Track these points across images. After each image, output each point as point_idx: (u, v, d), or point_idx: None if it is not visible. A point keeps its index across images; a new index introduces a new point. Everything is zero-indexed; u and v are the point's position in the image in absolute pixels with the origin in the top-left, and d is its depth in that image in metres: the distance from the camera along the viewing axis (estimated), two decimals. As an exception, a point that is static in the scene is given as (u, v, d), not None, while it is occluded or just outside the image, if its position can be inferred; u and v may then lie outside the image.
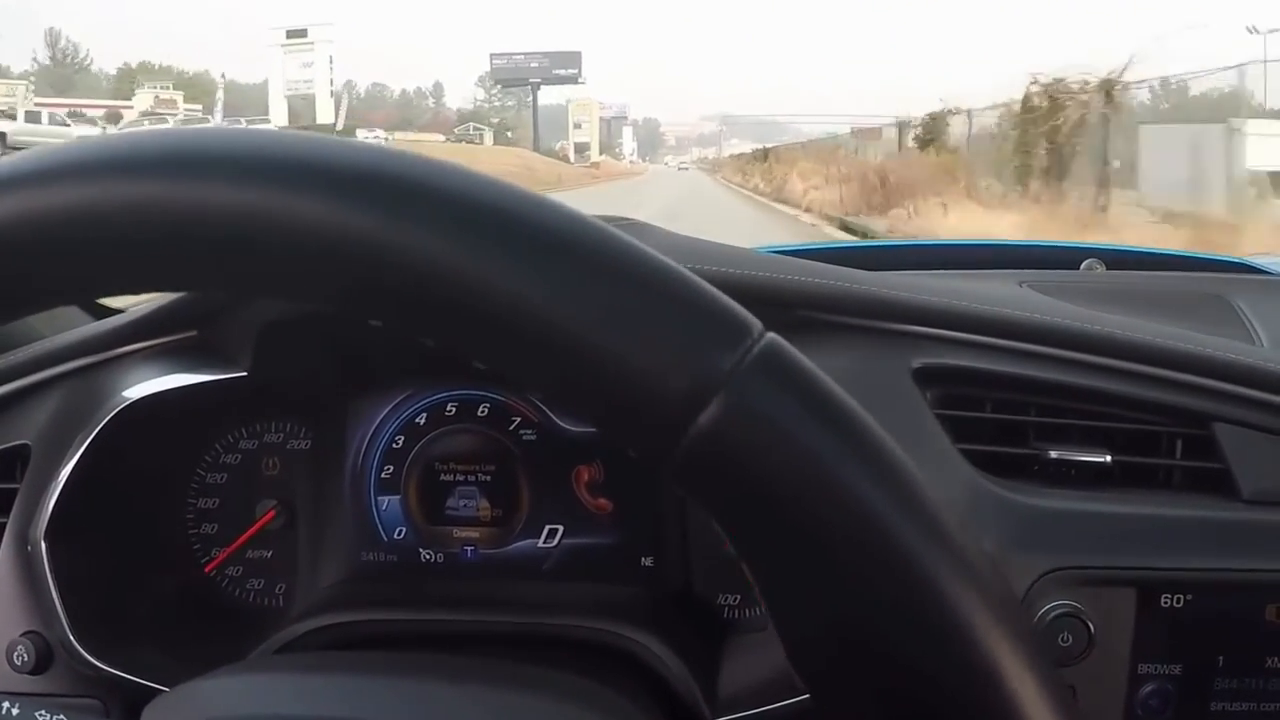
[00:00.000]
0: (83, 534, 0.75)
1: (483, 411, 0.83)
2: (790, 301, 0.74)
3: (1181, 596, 0.68)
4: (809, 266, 0.77)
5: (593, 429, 0.80)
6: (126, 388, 0.76)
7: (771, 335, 0.29)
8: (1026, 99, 14.65)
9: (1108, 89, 13.35)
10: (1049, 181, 13.92)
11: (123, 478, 0.77)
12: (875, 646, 0.28)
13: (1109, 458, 0.72)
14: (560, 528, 0.82)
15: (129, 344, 0.79)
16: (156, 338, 0.78)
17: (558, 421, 0.83)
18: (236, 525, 0.84)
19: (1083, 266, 1.19)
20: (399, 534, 0.84)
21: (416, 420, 0.84)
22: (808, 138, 46.76)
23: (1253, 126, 12.28)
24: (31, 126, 28.11)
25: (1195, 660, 0.69)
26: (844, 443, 0.29)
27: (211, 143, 0.29)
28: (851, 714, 0.30)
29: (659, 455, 0.29)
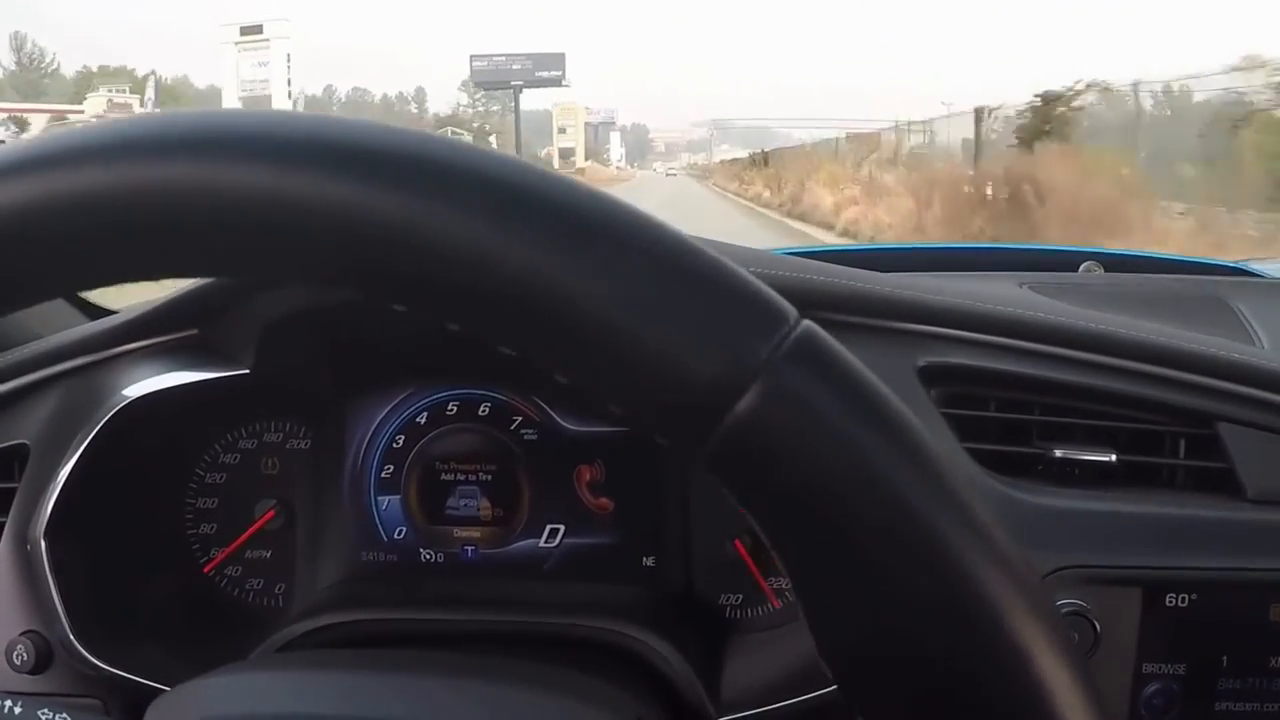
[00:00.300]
0: (82, 533, 0.74)
1: (484, 411, 0.83)
2: (795, 299, 0.74)
3: (1186, 596, 0.68)
4: (815, 266, 0.77)
5: (594, 428, 0.81)
6: (126, 386, 0.75)
7: (808, 322, 0.29)
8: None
9: None
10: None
11: (122, 477, 0.77)
12: (911, 641, 0.28)
13: (1114, 457, 0.72)
14: (561, 527, 0.82)
15: (129, 342, 0.78)
16: (156, 336, 0.78)
17: (559, 421, 0.82)
18: (236, 525, 0.84)
19: (1081, 268, 1.19)
20: (399, 534, 0.83)
21: (417, 419, 0.83)
22: (798, 143, 44.26)
23: None
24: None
25: (1200, 660, 0.69)
26: (882, 431, 0.28)
27: (239, 125, 0.29)
28: (883, 711, 0.29)
29: (694, 444, 0.28)
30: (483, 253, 0.28)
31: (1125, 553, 0.68)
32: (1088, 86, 12.73)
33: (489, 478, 0.83)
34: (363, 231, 0.28)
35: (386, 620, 0.75)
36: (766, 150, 45.06)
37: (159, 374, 0.76)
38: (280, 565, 0.84)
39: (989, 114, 15.83)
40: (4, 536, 0.75)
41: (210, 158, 0.28)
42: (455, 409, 0.83)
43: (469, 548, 0.83)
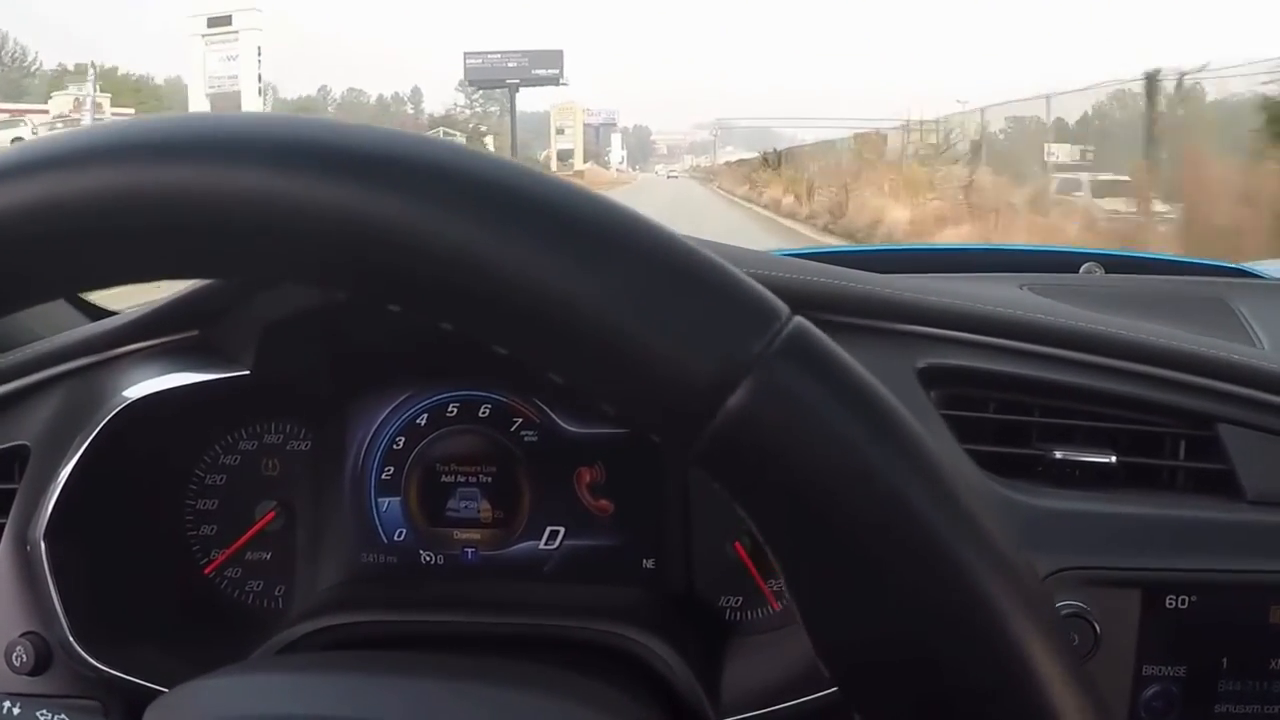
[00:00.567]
0: (82, 534, 0.74)
1: (484, 412, 0.83)
2: (796, 301, 0.73)
3: (1186, 597, 0.68)
4: (815, 267, 0.77)
5: (595, 430, 0.81)
6: (126, 387, 0.76)
7: (799, 319, 0.29)
8: None
9: None
10: None
11: (122, 478, 0.77)
12: (908, 641, 0.28)
13: (1113, 458, 0.72)
14: (561, 529, 0.82)
15: (129, 343, 0.78)
16: (157, 337, 0.78)
17: (559, 423, 0.82)
18: (236, 526, 0.84)
19: (1082, 270, 1.19)
20: (399, 535, 0.83)
21: (417, 421, 0.83)
22: (800, 143, 40.53)
23: None
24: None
25: (1200, 662, 0.69)
26: (874, 427, 0.28)
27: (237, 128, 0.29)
28: (879, 710, 0.29)
29: (685, 441, 0.28)
30: (473, 252, 0.28)
31: (1125, 554, 0.68)
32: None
33: (489, 479, 0.83)
34: (354, 232, 0.28)
35: (386, 622, 0.75)
36: (779, 150, 38.97)
37: (159, 375, 0.76)
38: (280, 567, 0.84)
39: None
40: (4, 537, 0.75)
41: (208, 161, 0.28)
42: (455, 411, 0.83)
43: (469, 549, 0.83)
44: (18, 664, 0.72)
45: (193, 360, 0.77)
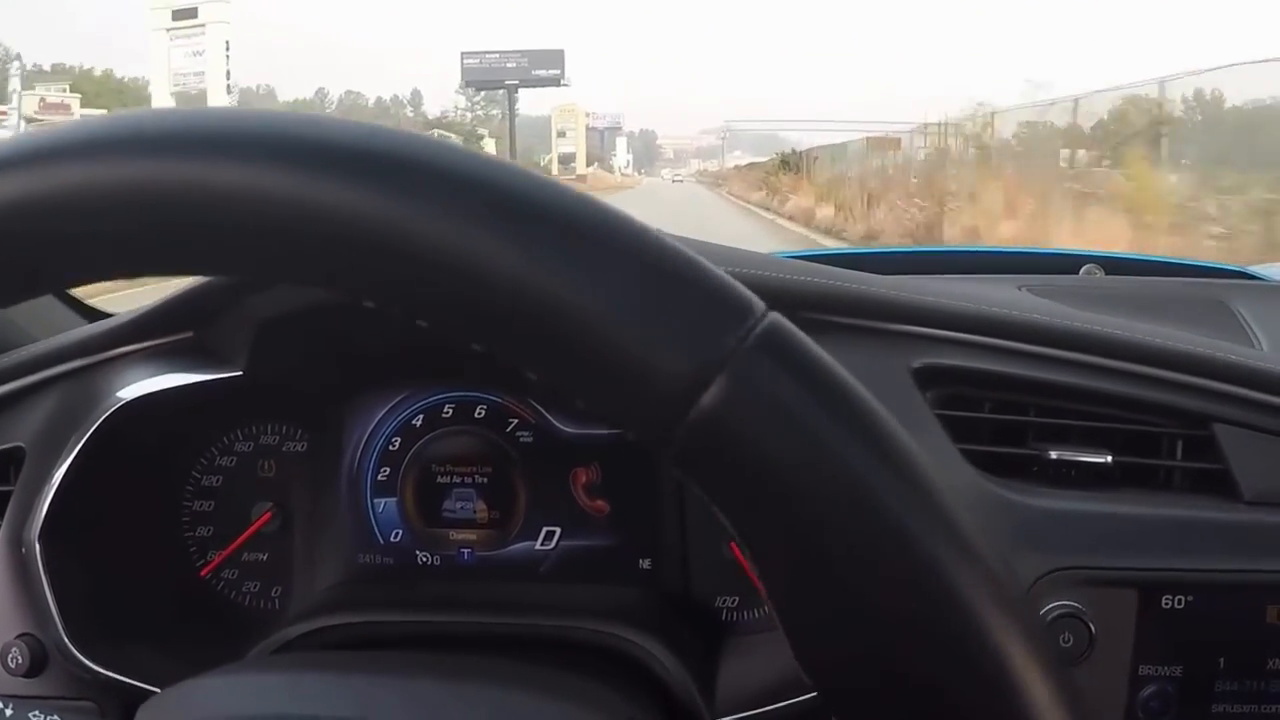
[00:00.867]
0: (77, 536, 0.74)
1: (480, 413, 0.83)
2: (791, 301, 0.74)
3: (1183, 597, 0.68)
4: (811, 268, 0.77)
5: (591, 430, 0.81)
6: (121, 388, 0.76)
7: (774, 315, 0.29)
8: None
9: None
10: None
11: (118, 479, 0.77)
12: (884, 644, 0.28)
13: (1109, 458, 0.72)
14: (558, 530, 0.82)
15: (124, 345, 0.78)
16: (152, 338, 0.78)
17: (555, 423, 0.82)
18: (232, 527, 0.84)
19: (1082, 272, 1.19)
20: (395, 536, 0.83)
21: (413, 422, 0.83)
22: (808, 147, 36.65)
23: None
24: None
25: (1196, 662, 0.69)
26: (848, 424, 0.28)
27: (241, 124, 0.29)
28: (860, 714, 0.29)
29: (659, 438, 0.28)
30: (447, 249, 0.27)
31: (1121, 554, 0.68)
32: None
33: (485, 480, 0.83)
34: (329, 229, 0.28)
35: (383, 622, 0.75)
36: (801, 151, 35.94)
37: (154, 376, 0.76)
38: (277, 568, 0.84)
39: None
40: None
41: (199, 158, 0.28)
42: (451, 411, 0.83)
43: (465, 550, 0.83)
44: (13, 665, 0.72)
45: (188, 361, 0.77)
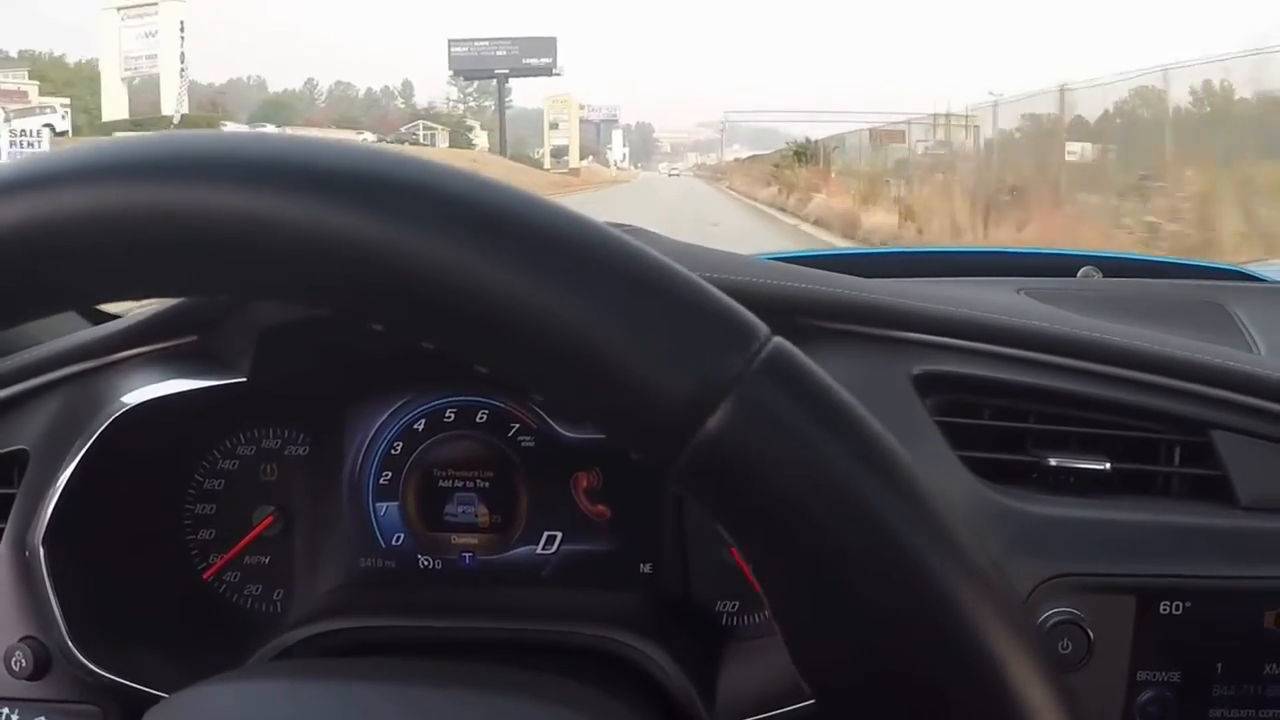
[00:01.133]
0: (81, 539, 0.74)
1: (481, 418, 0.83)
2: (789, 308, 0.74)
3: (1180, 603, 0.68)
4: (809, 274, 0.77)
5: (592, 435, 0.81)
6: (125, 393, 0.76)
7: (778, 339, 0.29)
8: None
9: None
10: None
11: (121, 483, 0.77)
12: (884, 656, 0.28)
13: (1108, 465, 0.72)
14: (559, 534, 0.82)
15: (128, 349, 0.79)
16: (156, 343, 0.78)
17: (557, 428, 0.82)
18: (234, 531, 0.84)
19: (1079, 274, 1.19)
20: (397, 540, 0.84)
21: (415, 426, 0.84)
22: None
23: None
24: None
25: (1194, 667, 0.69)
26: (852, 448, 0.28)
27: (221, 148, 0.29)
28: None
29: (665, 461, 0.29)
30: (454, 272, 0.28)
31: (1119, 560, 0.68)
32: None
33: (487, 484, 0.83)
34: (339, 252, 0.28)
35: (384, 627, 0.76)
36: (816, 140, 30.52)
37: (158, 380, 0.76)
38: (278, 571, 0.85)
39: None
40: (2, 542, 0.75)
41: (190, 183, 0.28)
42: (453, 416, 0.83)
43: (467, 554, 0.83)
44: (17, 669, 0.73)
45: (191, 366, 0.77)
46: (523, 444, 0.83)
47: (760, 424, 0.28)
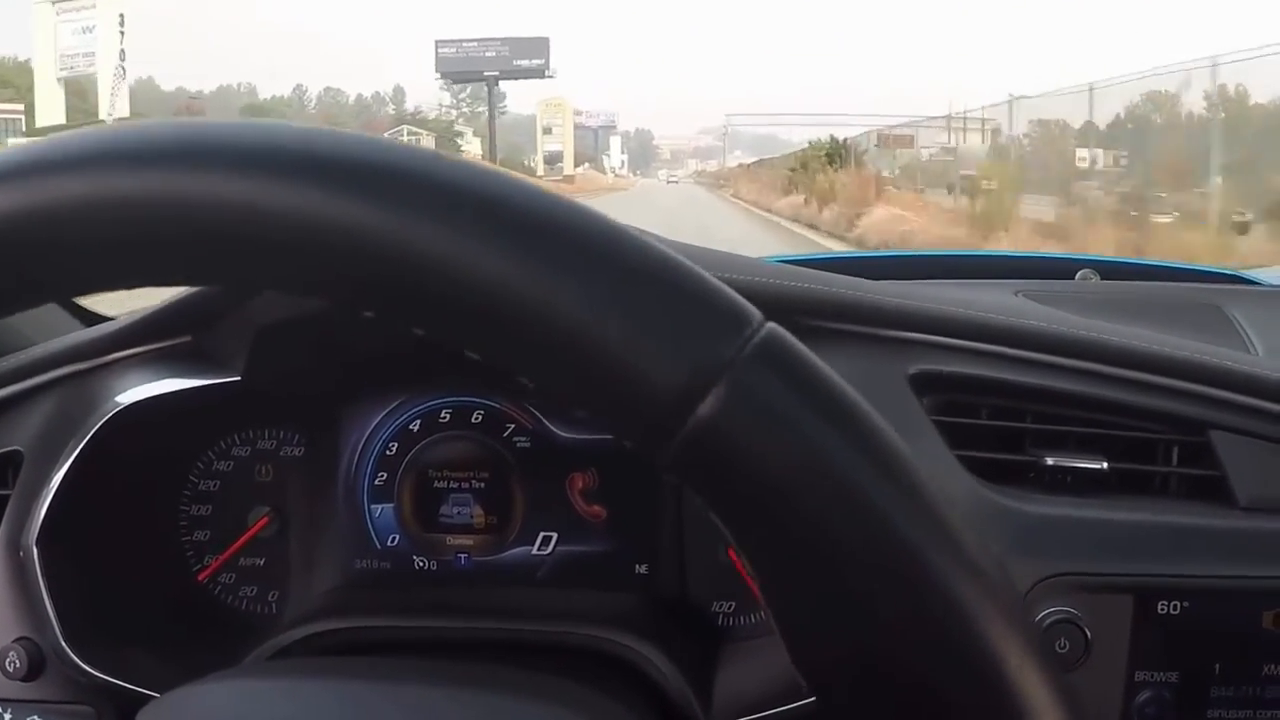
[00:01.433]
0: (75, 540, 0.74)
1: (477, 418, 0.83)
2: (786, 307, 0.74)
3: (1179, 603, 0.68)
4: (807, 274, 0.77)
5: (588, 436, 0.81)
6: (119, 393, 0.76)
7: (772, 325, 0.29)
8: None
9: None
10: None
11: (115, 483, 0.77)
12: (882, 652, 0.28)
13: (1105, 465, 0.72)
14: (555, 535, 0.82)
15: (122, 349, 0.78)
16: (150, 343, 0.78)
17: (552, 429, 0.82)
18: (229, 532, 0.84)
19: (1078, 276, 1.19)
20: (392, 541, 0.84)
21: (410, 427, 0.83)
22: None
23: None
24: None
25: (1192, 667, 0.69)
26: (848, 437, 0.28)
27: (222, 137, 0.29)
28: (856, 718, 0.29)
29: (656, 447, 0.29)
30: (446, 259, 0.28)
31: (1117, 560, 0.68)
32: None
33: (482, 485, 0.83)
34: (330, 239, 0.28)
35: (379, 628, 0.75)
36: (843, 138, 26.92)
37: (152, 380, 0.76)
38: (274, 573, 0.84)
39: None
40: None
41: (186, 169, 0.28)
42: (448, 416, 0.83)
43: (462, 555, 0.83)
44: (10, 670, 0.72)
45: (186, 366, 0.77)
46: (518, 444, 0.82)
47: (753, 410, 0.28)
